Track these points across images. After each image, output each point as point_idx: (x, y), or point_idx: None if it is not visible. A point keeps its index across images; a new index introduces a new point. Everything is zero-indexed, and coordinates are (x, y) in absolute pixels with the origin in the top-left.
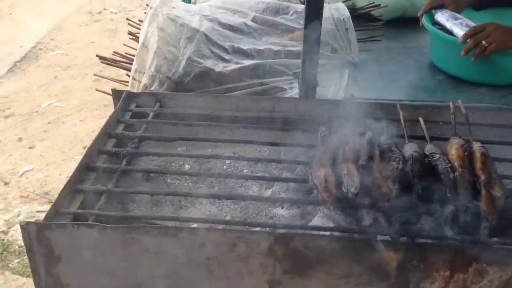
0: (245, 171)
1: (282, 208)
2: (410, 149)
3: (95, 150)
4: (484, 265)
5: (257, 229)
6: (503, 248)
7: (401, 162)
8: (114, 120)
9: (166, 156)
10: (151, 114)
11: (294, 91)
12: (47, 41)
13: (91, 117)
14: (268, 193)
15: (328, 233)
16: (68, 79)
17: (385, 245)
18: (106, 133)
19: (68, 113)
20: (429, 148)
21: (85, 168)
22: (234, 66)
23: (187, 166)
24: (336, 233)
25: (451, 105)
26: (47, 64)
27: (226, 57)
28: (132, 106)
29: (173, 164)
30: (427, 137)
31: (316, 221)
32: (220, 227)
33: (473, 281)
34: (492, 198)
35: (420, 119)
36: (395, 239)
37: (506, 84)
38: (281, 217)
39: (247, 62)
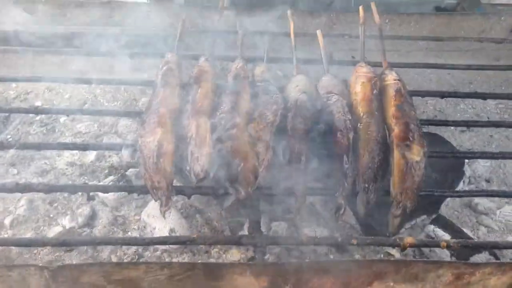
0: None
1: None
2: (296, 87)
3: None
4: (392, 283)
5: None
6: (421, 261)
7: (280, 112)
8: None
9: None
10: None
11: None
12: None
13: None
14: (91, 157)
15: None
16: None
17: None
18: None
19: None
20: (325, 83)
21: None
22: None
23: None
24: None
25: (361, 11)
26: None
27: None
28: None
29: None
30: (324, 64)
31: (152, 209)
32: None
33: None
34: (408, 165)
35: (318, 32)
36: (258, 260)
37: None
38: (105, 202)
39: None
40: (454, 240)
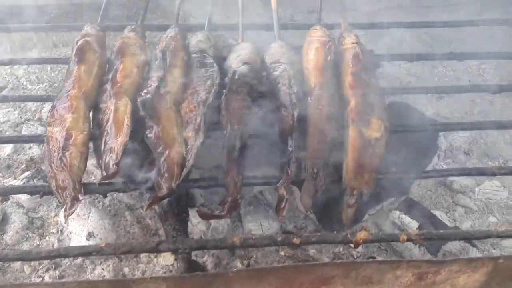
0: None
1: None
2: (237, 57)
3: None
4: None
5: None
6: (374, 261)
7: (214, 89)
8: None
9: None
10: None
11: None
12: None
13: None
14: None
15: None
16: None
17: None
18: None
19: None
20: (273, 50)
21: None
22: None
23: None
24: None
25: None
26: None
27: None
28: None
29: None
30: (275, 28)
31: None
32: None
33: None
34: (365, 143)
35: None
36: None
37: None
38: (20, 202)
39: None
40: (416, 232)
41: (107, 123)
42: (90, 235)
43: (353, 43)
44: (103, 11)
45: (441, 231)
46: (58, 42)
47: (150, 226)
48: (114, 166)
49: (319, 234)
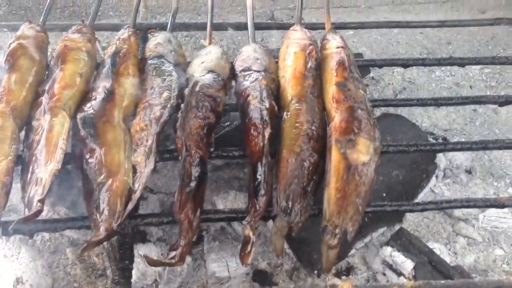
0: None
1: None
2: (201, 64)
3: None
4: None
5: None
6: None
7: (171, 103)
8: None
9: None
10: None
11: None
12: None
13: None
14: None
15: None
16: None
17: None
18: None
19: None
20: (245, 55)
21: None
22: None
23: None
24: None
25: None
26: None
27: None
28: None
29: None
30: (249, 29)
31: None
32: None
33: None
34: (350, 170)
35: None
36: None
37: None
38: None
39: None
40: (411, 283)
41: (37, 145)
42: (18, 281)
43: (338, 47)
44: (47, 8)
45: (442, 282)
46: (2, 44)
47: (96, 265)
48: (38, 204)
49: (293, 286)
